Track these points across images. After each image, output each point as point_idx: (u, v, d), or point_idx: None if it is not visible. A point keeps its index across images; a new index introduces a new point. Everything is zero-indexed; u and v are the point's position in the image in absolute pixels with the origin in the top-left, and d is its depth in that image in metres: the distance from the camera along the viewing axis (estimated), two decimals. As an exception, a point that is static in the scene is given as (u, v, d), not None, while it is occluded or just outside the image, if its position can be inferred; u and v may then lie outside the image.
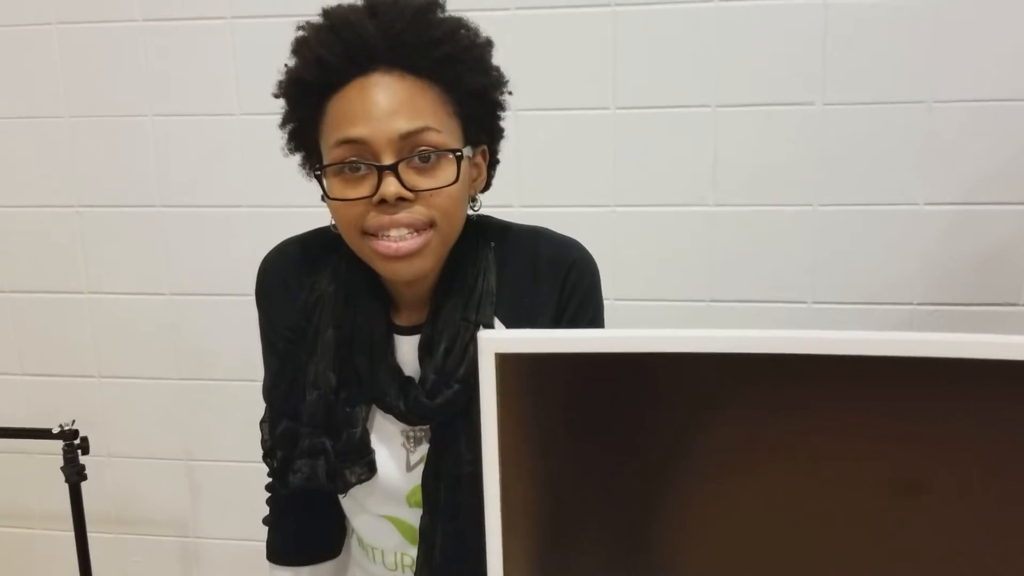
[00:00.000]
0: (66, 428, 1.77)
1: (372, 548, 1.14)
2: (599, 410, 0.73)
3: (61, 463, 1.77)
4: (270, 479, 1.15)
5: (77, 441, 1.78)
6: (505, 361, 0.73)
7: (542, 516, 0.77)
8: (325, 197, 1.00)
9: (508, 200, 1.87)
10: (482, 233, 1.08)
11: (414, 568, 1.08)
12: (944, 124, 1.81)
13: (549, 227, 1.12)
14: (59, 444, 1.77)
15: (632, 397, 0.72)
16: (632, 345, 0.70)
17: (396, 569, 1.12)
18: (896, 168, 1.84)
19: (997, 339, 0.67)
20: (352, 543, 1.19)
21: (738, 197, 1.90)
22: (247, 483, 2.14)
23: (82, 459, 1.79)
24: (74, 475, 1.78)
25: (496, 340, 0.73)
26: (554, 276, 1.05)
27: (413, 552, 1.09)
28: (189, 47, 1.99)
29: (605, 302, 1.13)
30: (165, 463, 2.21)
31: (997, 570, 0.71)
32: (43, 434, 1.78)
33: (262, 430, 1.11)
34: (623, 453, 0.74)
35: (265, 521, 1.17)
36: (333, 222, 1.02)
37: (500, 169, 1.14)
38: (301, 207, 1.94)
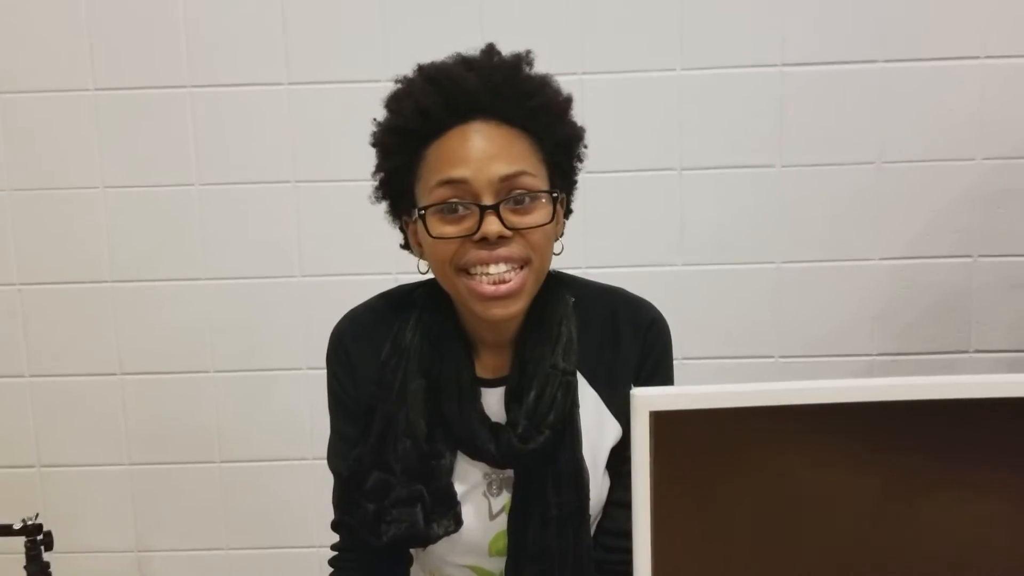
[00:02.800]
0: (29, 523, 1.63)
1: None
2: (758, 465, 0.73)
3: (24, 562, 1.64)
4: (338, 552, 1.14)
5: (40, 537, 1.64)
6: (659, 420, 0.72)
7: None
8: (408, 244, 1.08)
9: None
10: (561, 285, 1.13)
11: None
12: (893, 182, 1.92)
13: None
14: (20, 541, 1.63)
15: (792, 449, 0.73)
16: (793, 398, 0.71)
17: None
18: (853, 225, 1.93)
19: None
20: None
21: (704, 256, 1.96)
22: (203, 573, 2.04)
23: (45, 556, 1.65)
24: (39, 573, 1.65)
25: (651, 398, 0.73)
26: (635, 335, 1.11)
27: None
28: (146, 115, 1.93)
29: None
30: (115, 557, 2.07)
31: None
32: (3, 530, 1.63)
33: (335, 492, 1.12)
34: (780, 507, 0.74)
35: None
36: (423, 265, 1.07)
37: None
38: (254, 278, 1.93)
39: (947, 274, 1.95)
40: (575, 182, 1.14)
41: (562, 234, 1.14)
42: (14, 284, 1.98)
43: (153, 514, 2.05)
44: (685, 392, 0.73)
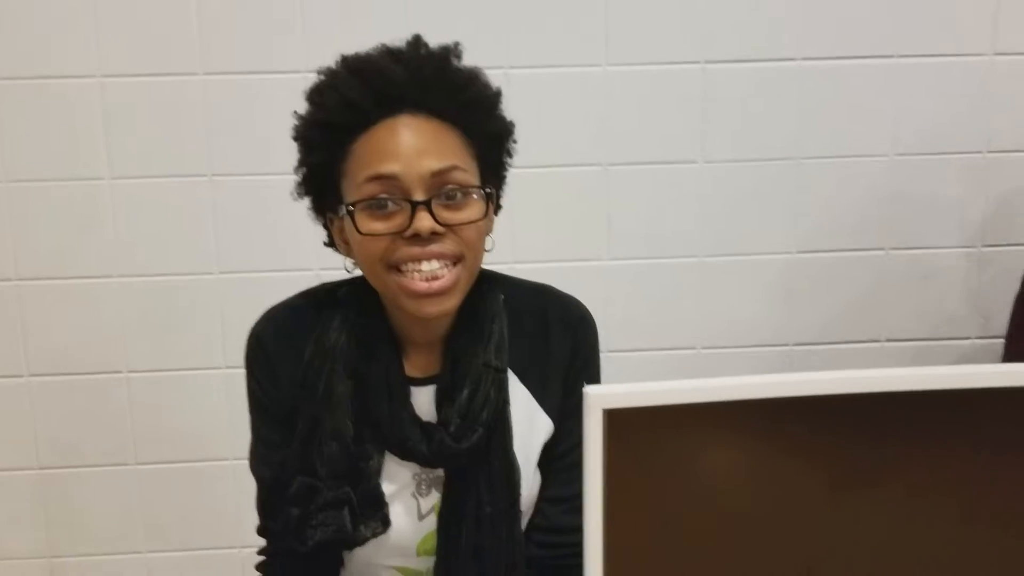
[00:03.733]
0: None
1: None
2: (713, 461, 0.74)
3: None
4: (264, 556, 1.11)
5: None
6: (613, 417, 0.72)
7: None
8: (332, 242, 1.05)
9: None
10: (491, 283, 1.12)
11: None
12: (811, 177, 1.96)
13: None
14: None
15: (747, 444, 0.73)
16: (756, 391, 0.71)
17: None
18: (772, 219, 1.97)
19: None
20: None
21: (630, 251, 1.97)
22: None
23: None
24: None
25: (605, 396, 0.72)
26: (564, 332, 1.11)
27: None
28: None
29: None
30: (24, 564, 1.98)
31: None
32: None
33: (258, 497, 1.08)
34: (736, 503, 0.74)
35: None
36: (349, 263, 1.05)
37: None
38: (169, 275, 1.87)
39: (861, 267, 2.01)
40: (504, 177, 1.12)
41: (492, 230, 1.12)
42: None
43: (66, 519, 1.97)
44: (638, 389, 0.73)
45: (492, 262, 1.13)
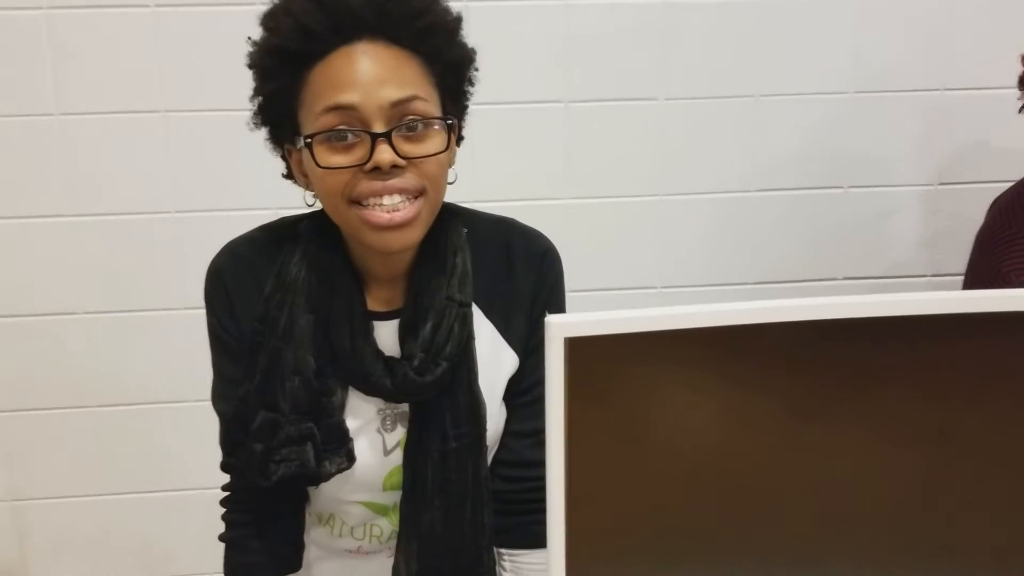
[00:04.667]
0: None
1: (339, 523, 1.13)
2: (673, 389, 0.74)
3: None
4: (227, 492, 1.10)
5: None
6: (575, 345, 0.72)
7: (612, 505, 0.77)
8: (291, 174, 1.02)
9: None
10: (454, 216, 1.10)
11: (383, 539, 1.10)
12: (769, 114, 1.97)
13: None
14: None
15: (707, 372, 0.74)
16: (718, 319, 0.72)
17: (364, 539, 1.13)
18: (731, 157, 1.98)
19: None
20: (310, 524, 1.15)
21: (589, 190, 1.97)
22: (85, 519, 1.97)
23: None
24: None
25: (566, 324, 0.72)
26: (528, 265, 1.10)
27: (382, 523, 1.11)
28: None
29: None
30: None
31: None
32: None
33: (220, 433, 1.07)
34: (702, 433, 0.75)
35: (222, 538, 1.10)
36: (309, 196, 1.03)
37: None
38: (124, 214, 1.83)
39: (819, 205, 2.02)
40: (466, 107, 1.10)
41: (454, 162, 1.11)
42: None
43: (27, 462, 1.96)
44: (600, 318, 0.73)
45: (451, 198, 1.12)
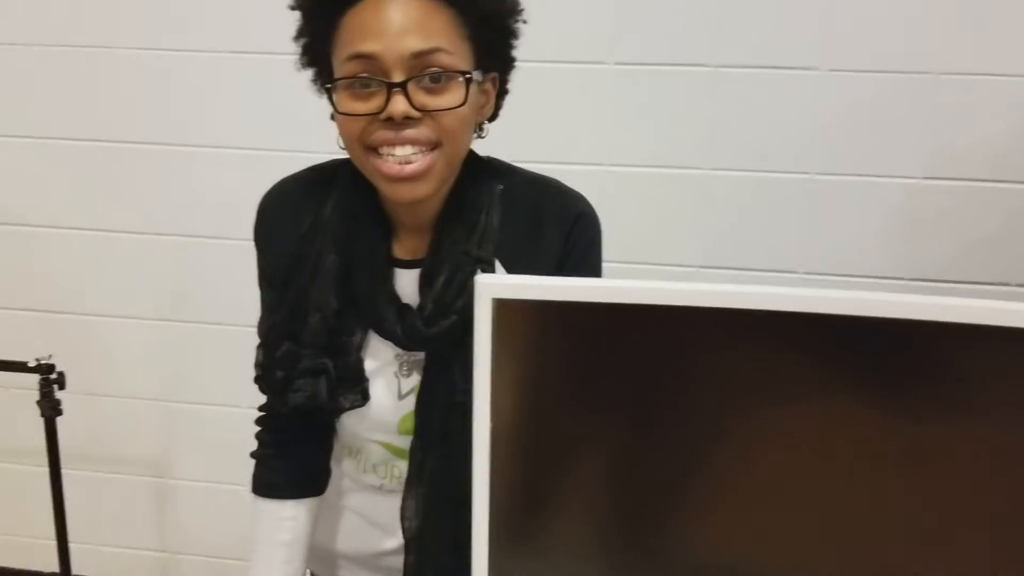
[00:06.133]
0: (42, 362, 1.74)
1: (364, 459, 1.16)
2: (596, 362, 0.72)
3: (37, 397, 1.75)
4: (261, 412, 1.16)
5: (53, 375, 1.75)
6: (502, 307, 0.71)
7: (531, 461, 0.75)
8: (334, 114, 1.01)
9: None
10: (490, 173, 1.09)
11: (401, 480, 1.12)
12: (952, 97, 1.79)
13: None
14: (35, 378, 1.74)
15: (632, 350, 0.70)
16: (636, 296, 0.68)
17: (385, 478, 1.15)
18: (896, 140, 1.83)
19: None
20: (341, 455, 1.20)
21: (734, 162, 1.88)
22: (222, 427, 2.14)
23: (58, 394, 1.76)
24: (49, 409, 1.76)
25: (494, 285, 0.71)
26: (559, 227, 1.07)
27: (401, 465, 1.12)
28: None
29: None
30: (142, 403, 2.19)
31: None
32: (18, 367, 1.74)
33: (256, 358, 1.12)
34: (619, 407, 0.72)
35: (253, 455, 1.17)
36: (339, 140, 1.03)
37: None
38: (293, 151, 1.93)
39: (997, 200, 1.83)
40: (512, 59, 1.07)
41: (495, 116, 1.09)
42: (67, 139, 2.06)
43: (178, 368, 2.16)
44: (529, 282, 0.72)
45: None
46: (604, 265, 1.12)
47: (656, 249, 1.94)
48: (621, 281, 0.69)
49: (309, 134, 1.64)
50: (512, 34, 1.05)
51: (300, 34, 1.04)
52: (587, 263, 1.08)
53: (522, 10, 1.05)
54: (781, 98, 1.84)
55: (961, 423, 0.68)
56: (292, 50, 1.05)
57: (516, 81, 1.79)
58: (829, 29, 1.79)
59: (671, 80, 1.85)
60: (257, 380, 1.11)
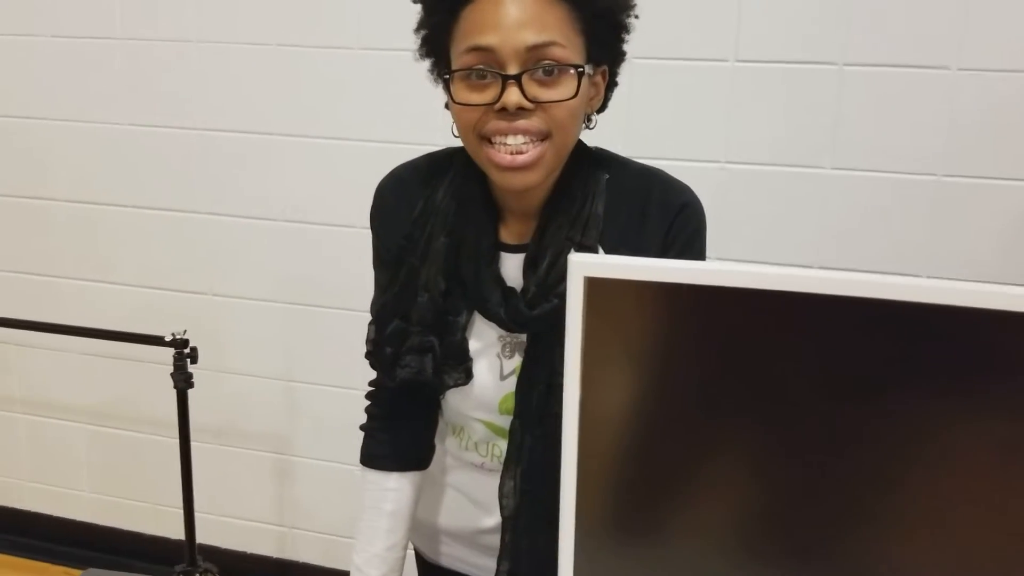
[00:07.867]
0: (177, 337, 1.85)
1: (467, 437, 1.20)
2: (688, 345, 0.73)
3: (171, 370, 1.86)
4: (371, 387, 1.21)
5: (187, 350, 1.85)
6: (594, 286, 0.73)
7: (621, 439, 0.77)
8: (449, 103, 1.06)
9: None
10: (597, 163, 1.12)
11: (502, 459, 1.15)
12: None
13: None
14: (170, 352, 1.85)
15: (725, 334, 0.71)
16: (731, 280, 0.69)
17: (487, 456, 1.19)
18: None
19: None
20: (445, 432, 1.24)
21: (856, 162, 1.84)
22: (341, 409, 2.22)
23: (190, 368, 1.87)
24: (182, 382, 1.87)
25: (586, 264, 0.73)
26: (662, 217, 1.09)
27: (502, 444, 1.16)
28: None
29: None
30: (267, 382, 2.30)
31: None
32: (155, 341, 1.86)
33: (368, 334, 1.17)
34: (707, 392, 0.73)
35: (362, 427, 1.23)
36: (454, 128, 1.07)
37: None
38: (411, 144, 1.99)
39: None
40: (622, 52, 1.10)
41: (603, 107, 1.11)
42: (197, 128, 2.19)
43: (300, 351, 2.26)
44: (619, 262, 0.73)
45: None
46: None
47: (774, 248, 1.91)
48: (714, 264, 0.70)
49: (428, 129, 1.71)
50: (624, 28, 1.07)
51: (420, 26, 1.09)
52: (691, 252, 1.10)
53: (634, 5, 1.07)
54: (908, 98, 1.79)
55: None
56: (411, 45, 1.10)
57: (641, 77, 1.81)
58: (961, 28, 1.74)
59: (795, 77, 1.83)
60: (368, 355, 1.16)
